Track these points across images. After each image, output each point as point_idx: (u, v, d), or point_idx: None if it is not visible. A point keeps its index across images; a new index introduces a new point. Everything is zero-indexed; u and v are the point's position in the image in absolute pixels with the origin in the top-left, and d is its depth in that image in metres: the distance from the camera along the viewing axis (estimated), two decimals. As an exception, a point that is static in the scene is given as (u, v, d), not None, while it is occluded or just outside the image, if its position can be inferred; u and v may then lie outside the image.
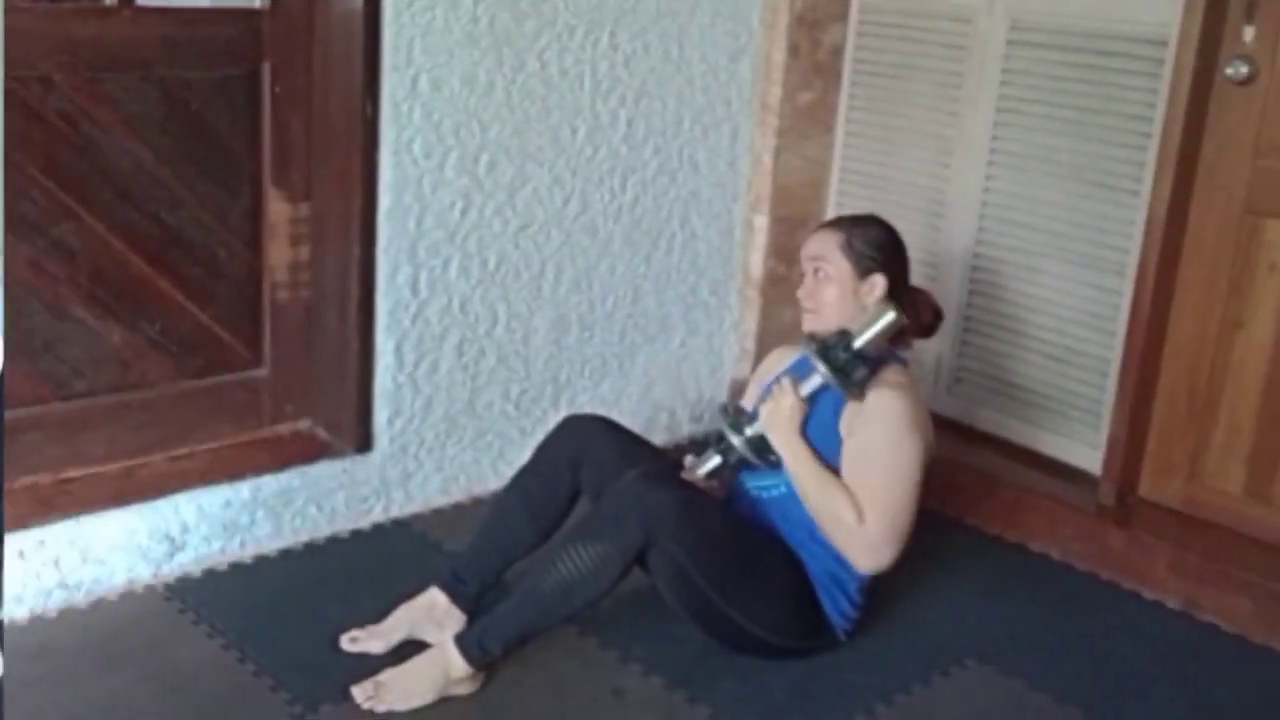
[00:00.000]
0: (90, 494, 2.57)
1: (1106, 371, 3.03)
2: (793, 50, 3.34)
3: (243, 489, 2.73)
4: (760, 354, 3.43)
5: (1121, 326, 2.96)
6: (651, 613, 2.51)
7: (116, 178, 2.53)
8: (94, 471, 2.62)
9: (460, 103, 2.81)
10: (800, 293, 2.53)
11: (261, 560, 2.75)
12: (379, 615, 2.46)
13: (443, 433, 3.01)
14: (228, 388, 2.80)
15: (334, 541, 2.86)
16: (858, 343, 2.36)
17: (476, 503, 3.06)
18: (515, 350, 3.09)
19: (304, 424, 2.91)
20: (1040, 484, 3.08)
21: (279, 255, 2.79)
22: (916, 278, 2.63)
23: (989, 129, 3.18)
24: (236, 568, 2.71)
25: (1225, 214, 2.80)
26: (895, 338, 2.50)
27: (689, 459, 2.54)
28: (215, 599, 2.58)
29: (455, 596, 2.45)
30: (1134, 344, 2.90)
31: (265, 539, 2.78)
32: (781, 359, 2.65)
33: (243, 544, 2.75)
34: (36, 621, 2.46)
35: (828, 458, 2.40)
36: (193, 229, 2.66)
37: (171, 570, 2.65)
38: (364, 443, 2.88)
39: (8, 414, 2.50)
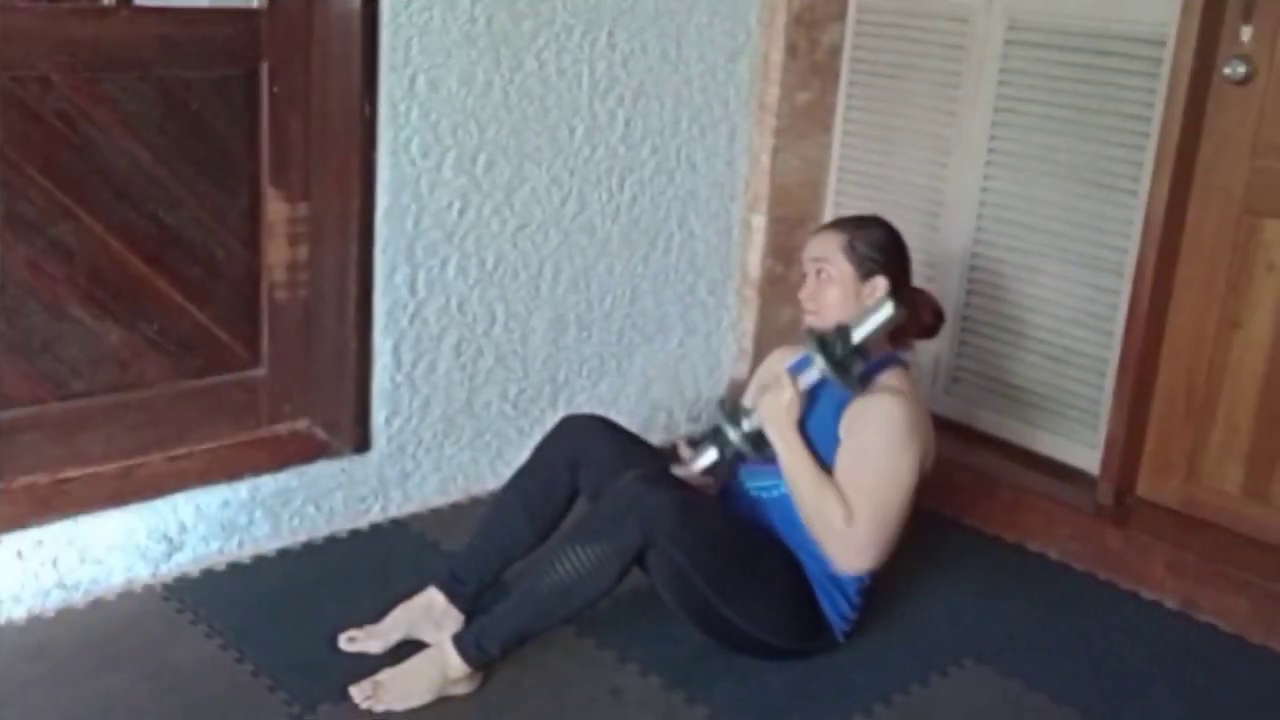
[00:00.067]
0: (88, 494, 2.57)
1: (1104, 371, 3.03)
2: (791, 50, 3.34)
3: (241, 489, 2.73)
4: (758, 354, 3.43)
5: (1119, 326, 2.96)
6: (650, 613, 2.51)
7: (115, 178, 2.53)
8: (92, 471, 2.62)
9: (458, 102, 2.81)
10: (802, 294, 2.52)
11: (260, 560, 2.75)
12: (377, 615, 2.45)
13: (441, 432, 3.01)
14: (226, 388, 2.80)
15: (332, 541, 2.86)
16: (856, 336, 2.36)
17: (474, 503, 3.06)
18: (513, 350, 3.09)
19: (302, 424, 2.91)
20: (1038, 484, 3.08)
21: (277, 255, 2.79)
22: (914, 278, 2.63)
23: (987, 129, 3.18)
24: (235, 568, 2.71)
25: (1223, 214, 2.80)
26: (896, 339, 2.50)
27: (683, 451, 2.52)
28: (213, 599, 2.58)
29: (453, 596, 2.45)
30: (1132, 344, 2.90)
31: (263, 539, 2.78)
32: (783, 359, 2.65)
33: (241, 544, 2.75)
34: (34, 621, 2.46)
35: (824, 457, 2.40)
36: (191, 229, 2.66)
37: (170, 570, 2.65)
38: (362, 443, 2.87)
39: (6, 414, 2.50)
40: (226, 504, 2.71)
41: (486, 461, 3.12)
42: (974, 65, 3.19)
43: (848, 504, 2.34)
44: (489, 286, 2.99)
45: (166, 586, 2.61)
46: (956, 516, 3.14)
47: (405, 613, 2.45)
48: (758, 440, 2.42)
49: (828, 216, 3.48)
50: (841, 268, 2.46)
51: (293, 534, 2.82)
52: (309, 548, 2.82)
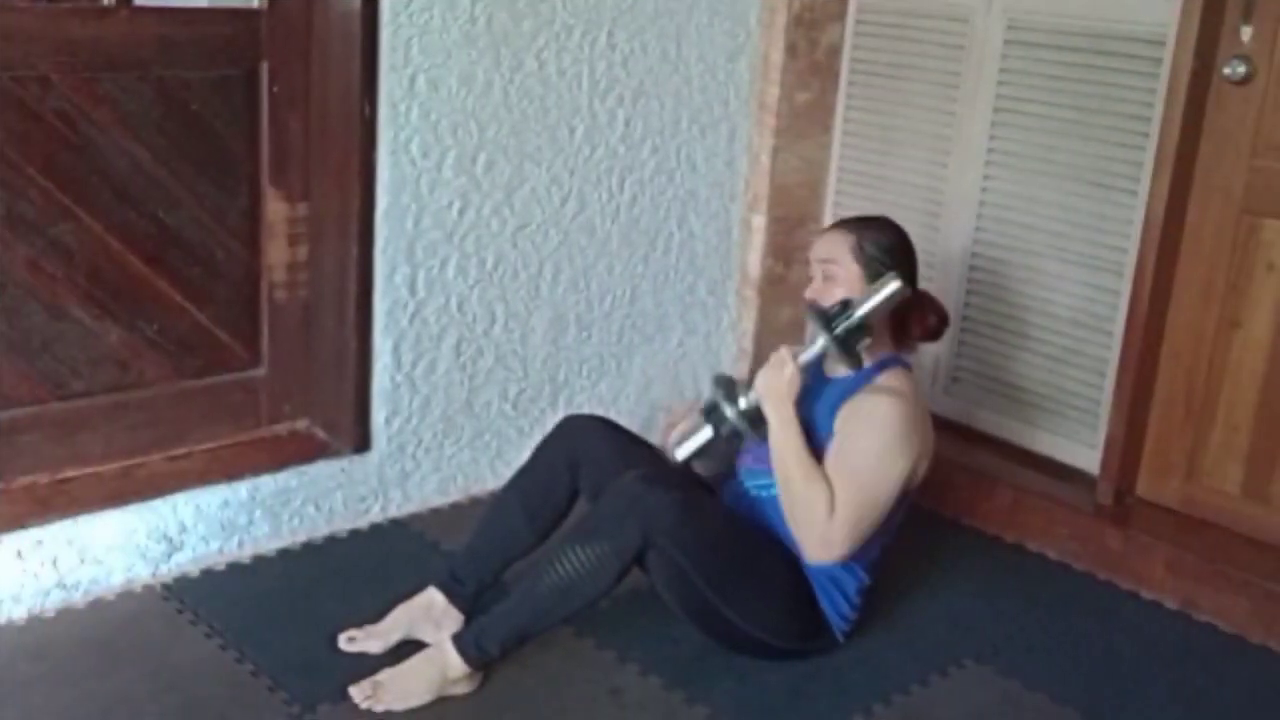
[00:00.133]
0: (88, 494, 2.57)
1: (1104, 371, 3.03)
2: (790, 50, 3.34)
3: (241, 489, 2.73)
4: (758, 354, 3.43)
5: (1119, 326, 2.96)
6: (649, 613, 2.51)
7: (114, 177, 2.53)
8: (92, 471, 2.62)
9: (458, 102, 2.81)
10: (808, 293, 2.51)
11: (259, 560, 2.75)
12: (377, 615, 2.46)
13: (440, 432, 3.01)
14: (226, 388, 2.80)
15: (332, 541, 2.86)
16: (860, 311, 2.34)
17: (474, 503, 3.06)
18: (513, 350, 3.09)
19: (302, 424, 2.91)
20: (1038, 484, 3.08)
21: (277, 255, 2.79)
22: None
23: (986, 129, 3.18)
24: (234, 568, 2.71)
25: (1223, 213, 2.80)
26: (900, 341, 2.50)
27: (676, 434, 2.49)
28: (213, 599, 2.58)
29: (453, 596, 2.46)
30: (1132, 344, 2.90)
31: (263, 539, 2.78)
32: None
33: (241, 544, 2.75)
34: (34, 621, 2.46)
35: (815, 450, 2.38)
36: (191, 229, 2.66)
37: (169, 570, 2.65)
38: (362, 443, 2.88)
39: (6, 414, 2.51)
40: (226, 504, 2.71)
41: (486, 461, 3.12)
42: (973, 65, 3.19)
43: (833, 496, 2.34)
44: (489, 286, 2.99)
45: (166, 586, 2.61)
46: (956, 516, 3.14)
47: (405, 613, 2.45)
48: (755, 418, 2.39)
49: (828, 216, 3.48)
50: (849, 268, 2.45)
51: (293, 534, 2.82)
52: (309, 548, 2.82)
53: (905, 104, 3.35)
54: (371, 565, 2.76)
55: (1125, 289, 2.94)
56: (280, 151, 2.73)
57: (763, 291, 3.49)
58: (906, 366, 2.51)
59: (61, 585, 2.51)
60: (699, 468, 2.57)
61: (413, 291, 2.86)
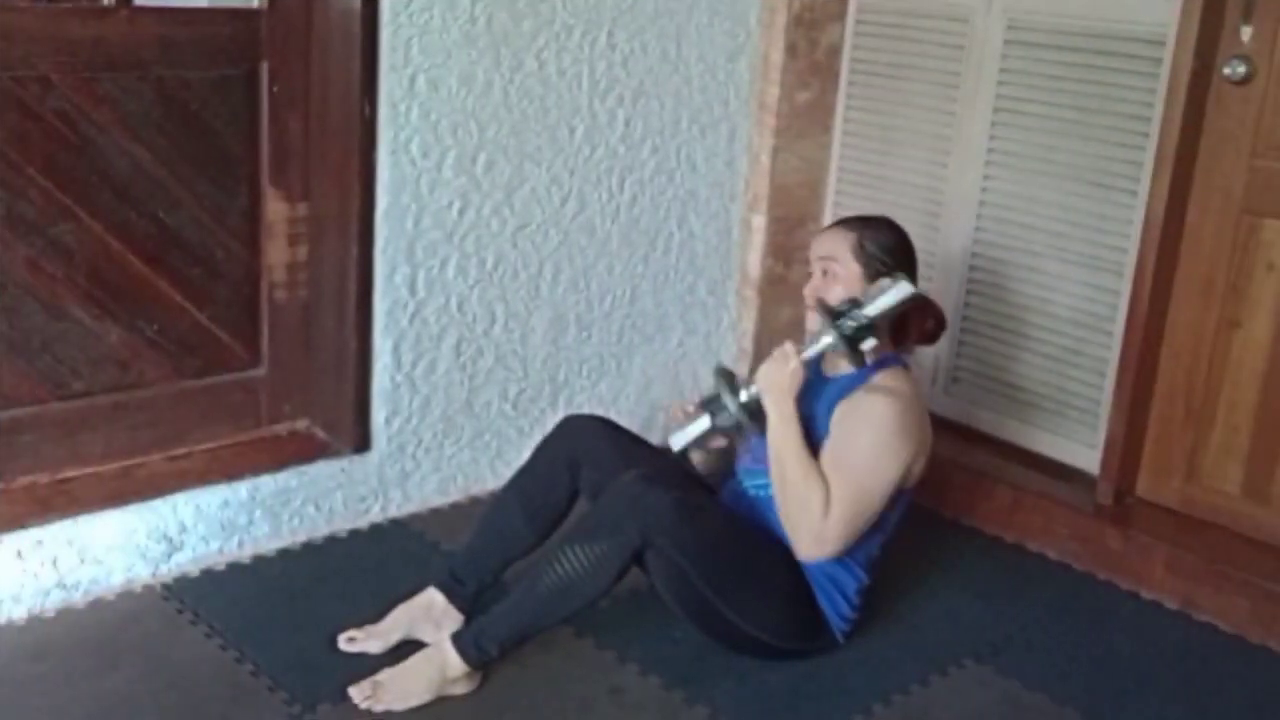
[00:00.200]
0: (88, 494, 2.57)
1: (1104, 371, 3.03)
2: (790, 50, 3.34)
3: (241, 489, 2.73)
4: (758, 354, 3.43)
5: (1119, 326, 2.96)
6: (649, 613, 2.51)
7: (114, 178, 2.53)
8: (92, 471, 2.62)
9: (458, 102, 2.81)
10: (806, 290, 2.51)
11: (259, 560, 2.75)
12: (377, 615, 2.46)
13: (440, 432, 3.01)
14: (226, 388, 2.80)
15: (332, 541, 2.86)
16: (869, 310, 2.34)
17: (474, 502, 3.06)
18: (513, 350, 3.09)
19: (302, 424, 2.91)
20: (1038, 484, 3.08)
21: (277, 255, 2.79)
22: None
23: (986, 129, 3.18)
24: (234, 568, 2.71)
25: (1223, 213, 2.80)
26: (898, 343, 2.50)
27: (673, 424, 2.49)
28: (213, 599, 2.58)
29: (453, 596, 2.46)
30: (1131, 344, 2.90)
31: (263, 539, 2.78)
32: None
33: (241, 544, 2.75)
34: (34, 621, 2.46)
35: (812, 448, 2.38)
36: (191, 229, 2.66)
37: (169, 570, 2.65)
38: (362, 443, 2.88)
39: (6, 414, 2.51)
40: (226, 504, 2.71)
41: (486, 461, 3.12)
42: (973, 65, 3.19)
43: (829, 494, 2.34)
44: (489, 286, 2.99)
45: (166, 586, 2.61)
46: (956, 516, 3.14)
47: (405, 613, 2.45)
48: (755, 410, 2.39)
49: (828, 216, 3.48)
50: (849, 267, 2.45)
51: (292, 534, 2.82)
52: (309, 548, 2.82)
53: (905, 104, 3.35)
54: (371, 565, 2.76)
55: (1125, 289, 2.94)
56: (280, 151, 2.73)
57: (763, 291, 3.49)
58: (905, 365, 2.51)
59: (61, 585, 2.52)
60: (698, 464, 2.57)
61: (413, 291, 2.86)
